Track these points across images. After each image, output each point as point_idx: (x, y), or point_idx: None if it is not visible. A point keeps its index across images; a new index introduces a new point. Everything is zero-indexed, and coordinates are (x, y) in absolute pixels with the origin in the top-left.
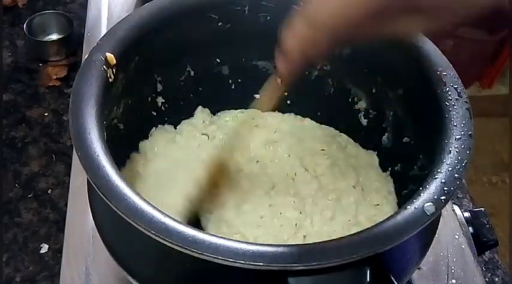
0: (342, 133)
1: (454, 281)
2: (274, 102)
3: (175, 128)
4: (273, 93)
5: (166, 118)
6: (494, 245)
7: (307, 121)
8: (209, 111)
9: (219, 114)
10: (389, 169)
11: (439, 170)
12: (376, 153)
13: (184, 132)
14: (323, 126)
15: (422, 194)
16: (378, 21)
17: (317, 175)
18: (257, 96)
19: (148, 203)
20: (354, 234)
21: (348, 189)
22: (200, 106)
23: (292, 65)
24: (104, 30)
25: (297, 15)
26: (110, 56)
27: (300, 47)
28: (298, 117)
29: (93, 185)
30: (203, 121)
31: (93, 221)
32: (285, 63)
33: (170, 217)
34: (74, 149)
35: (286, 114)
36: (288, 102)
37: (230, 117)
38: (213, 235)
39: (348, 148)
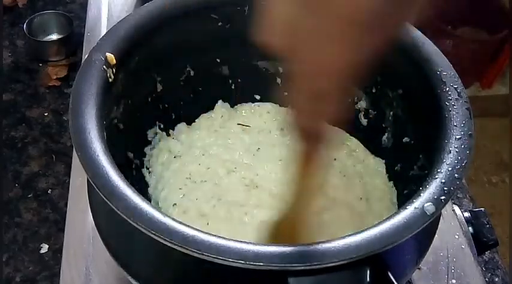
0: (352, 137)
1: (454, 281)
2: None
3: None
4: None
5: (166, 118)
6: (494, 245)
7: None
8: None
9: (236, 106)
10: (390, 169)
11: (439, 170)
12: (384, 161)
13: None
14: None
15: (422, 194)
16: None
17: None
18: (257, 96)
19: (148, 203)
20: (353, 234)
21: (355, 201)
22: (220, 101)
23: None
24: (104, 30)
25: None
26: (110, 56)
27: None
28: None
29: (93, 185)
30: (222, 116)
31: (93, 221)
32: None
33: (170, 217)
34: (74, 149)
35: None
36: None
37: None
38: (213, 235)
39: (357, 153)
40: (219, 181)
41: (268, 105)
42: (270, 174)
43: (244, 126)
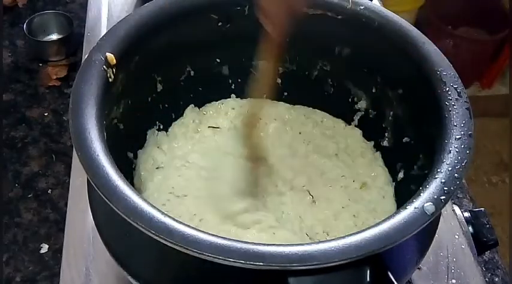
0: (316, 109)
1: (454, 281)
2: (269, 82)
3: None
4: (267, 72)
5: (166, 119)
6: (494, 245)
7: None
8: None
9: (202, 108)
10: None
11: (439, 170)
12: (361, 131)
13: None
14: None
15: (422, 194)
16: None
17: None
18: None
19: (148, 203)
20: (353, 234)
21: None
22: (191, 105)
23: (279, 24)
24: (104, 30)
25: None
26: (110, 56)
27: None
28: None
29: (93, 185)
30: (193, 121)
31: (93, 221)
32: (273, 25)
33: (170, 217)
34: (74, 149)
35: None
36: (288, 101)
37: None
38: (213, 235)
39: (324, 122)
40: (198, 193)
41: (231, 101)
42: (237, 181)
43: (214, 128)
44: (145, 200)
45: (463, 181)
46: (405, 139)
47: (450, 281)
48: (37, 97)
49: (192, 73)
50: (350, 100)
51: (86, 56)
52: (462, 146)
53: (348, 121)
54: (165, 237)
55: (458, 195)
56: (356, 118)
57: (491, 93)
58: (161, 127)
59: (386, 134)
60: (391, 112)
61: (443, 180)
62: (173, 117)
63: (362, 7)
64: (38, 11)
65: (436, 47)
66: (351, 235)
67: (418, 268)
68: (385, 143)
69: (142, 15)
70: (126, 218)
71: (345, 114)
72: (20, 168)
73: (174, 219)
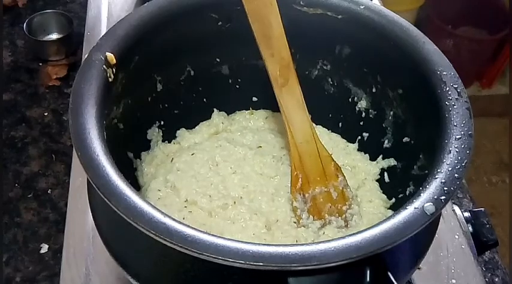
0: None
1: (454, 281)
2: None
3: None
4: None
5: (166, 118)
6: (494, 245)
7: None
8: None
9: (231, 115)
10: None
11: (439, 170)
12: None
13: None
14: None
15: (422, 194)
16: None
17: None
18: (254, 98)
19: (149, 203)
20: (353, 234)
21: None
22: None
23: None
24: (104, 30)
25: None
26: (110, 56)
27: None
28: None
29: (93, 185)
30: (222, 123)
31: (93, 221)
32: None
33: (170, 217)
34: (74, 149)
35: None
36: None
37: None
38: (213, 235)
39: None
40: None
41: (262, 112)
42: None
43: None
44: (145, 200)
45: (463, 181)
46: (405, 139)
47: (450, 281)
48: (37, 97)
49: (192, 73)
50: (350, 100)
51: (86, 55)
52: (462, 146)
53: (351, 122)
54: (165, 237)
55: (458, 195)
56: (362, 118)
57: (491, 93)
58: (161, 124)
59: (386, 134)
60: (391, 112)
61: (443, 180)
62: (173, 117)
63: (362, 7)
64: (38, 11)
65: (436, 47)
66: (351, 235)
67: (418, 268)
68: (386, 143)
69: (142, 15)
70: (126, 218)
71: (345, 113)
72: (20, 168)
73: (173, 219)
